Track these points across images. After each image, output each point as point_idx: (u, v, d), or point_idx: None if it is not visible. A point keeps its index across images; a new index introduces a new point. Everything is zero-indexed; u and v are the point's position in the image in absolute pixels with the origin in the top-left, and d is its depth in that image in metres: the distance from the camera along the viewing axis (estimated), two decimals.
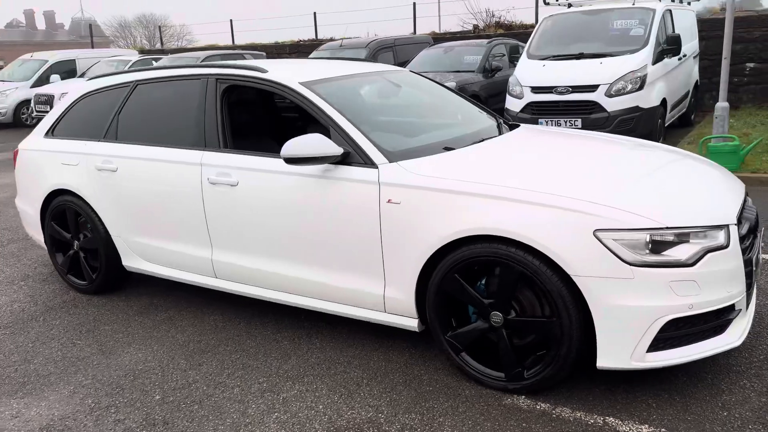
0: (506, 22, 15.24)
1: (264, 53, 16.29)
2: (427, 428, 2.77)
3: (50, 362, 3.61)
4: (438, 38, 14.15)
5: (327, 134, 3.40)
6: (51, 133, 4.74)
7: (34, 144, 4.80)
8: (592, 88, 8.11)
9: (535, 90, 8.46)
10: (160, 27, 24.65)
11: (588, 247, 2.69)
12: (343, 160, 3.29)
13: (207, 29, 36.89)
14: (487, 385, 3.05)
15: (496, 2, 15.84)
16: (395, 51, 12.80)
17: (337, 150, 3.26)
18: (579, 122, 8.14)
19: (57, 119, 4.73)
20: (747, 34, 11.45)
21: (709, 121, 9.63)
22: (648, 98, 8.14)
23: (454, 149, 3.46)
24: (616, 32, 8.99)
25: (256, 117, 4.87)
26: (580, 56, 8.61)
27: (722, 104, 7.39)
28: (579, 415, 2.80)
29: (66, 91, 13.59)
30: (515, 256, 2.82)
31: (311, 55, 12.92)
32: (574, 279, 2.71)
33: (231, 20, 20.65)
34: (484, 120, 4.21)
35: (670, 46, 8.67)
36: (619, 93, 8.03)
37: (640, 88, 8.07)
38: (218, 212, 3.74)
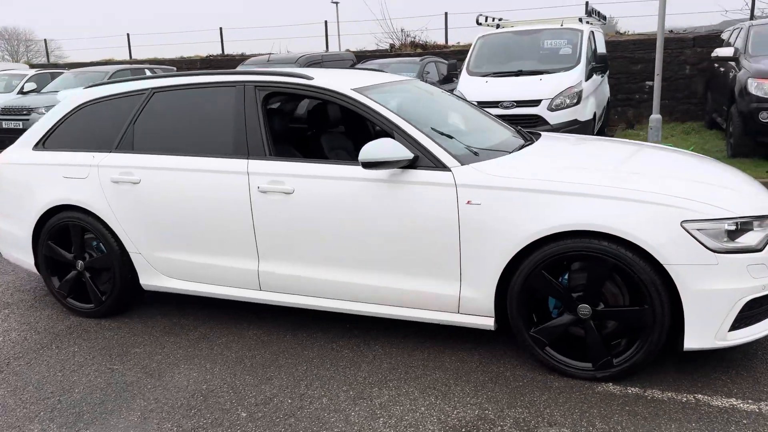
0: (421, 42, 15.73)
1: (174, 67, 15.69)
2: (539, 419, 2.86)
3: (96, 390, 3.31)
4: (358, 56, 14.34)
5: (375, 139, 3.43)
6: (42, 145, 4.36)
7: (21, 157, 4.39)
8: (535, 102, 8.60)
9: (481, 104, 8.82)
10: (45, 40, 23.02)
11: (676, 238, 2.92)
12: (411, 164, 3.34)
13: (86, 44, 34.87)
14: (575, 376, 3.19)
15: (409, 22, 16.32)
16: (323, 66, 12.85)
17: (408, 154, 3.30)
18: None
19: (49, 130, 4.36)
20: (646, 55, 12.63)
21: (621, 134, 10.51)
22: (584, 112, 8.77)
23: (509, 153, 3.60)
24: (546, 51, 9.61)
25: (297, 124, 4.76)
26: (519, 73, 9.12)
27: (656, 116, 8.13)
28: (670, 394, 3.01)
29: None
30: (608, 249, 2.99)
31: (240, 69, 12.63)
32: (666, 267, 2.92)
33: (128, 34, 19.74)
34: (508, 128, 4.40)
35: (598, 64, 9.40)
36: (560, 107, 8.58)
37: (577, 102, 8.68)
38: (269, 221, 3.63)
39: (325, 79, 3.77)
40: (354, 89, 3.66)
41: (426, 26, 17.90)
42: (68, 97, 4.45)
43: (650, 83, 12.72)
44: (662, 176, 3.30)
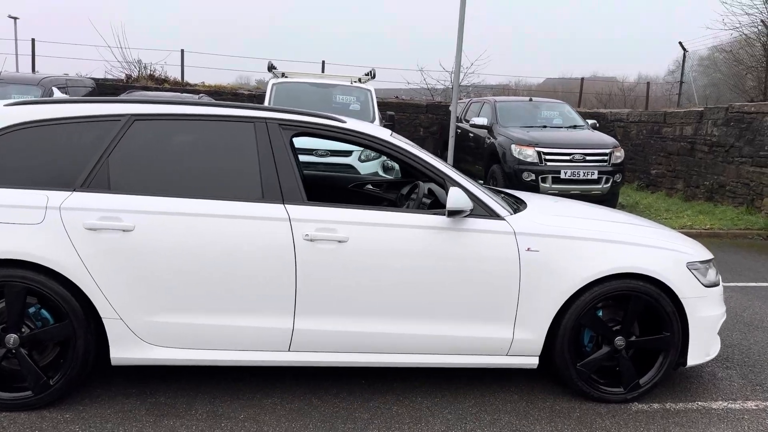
0: (161, 76, 14.83)
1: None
2: None
3: None
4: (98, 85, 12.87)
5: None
6: None
7: None
8: (347, 153, 9.02)
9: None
10: None
11: (685, 277, 3.65)
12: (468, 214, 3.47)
13: None
14: (610, 400, 3.64)
15: (145, 54, 15.22)
16: (68, 91, 11.26)
17: (471, 204, 3.43)
18: (340, 174, 8.93)
19: None
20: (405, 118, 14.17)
21: None
22: (383, 161, 9.51)
23: (527, 203, 3.96)
24: (338, 105, 10.16)
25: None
26: None
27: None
28: (681, 405, 3.68)
29: None
30: (643, 287, 3.57)
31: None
32: (682, 300, 3.62)
33: None
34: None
35: (388, 123, 10.28)
36: (369, 159, 9.16)
37: (379, 156, 9.38)
38: (317, 272, 3.30)
39: (355, 123, 3.63)
40: (393, 135, 3.62)
41: (165, 60, 16.72)
42: None
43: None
44: (645, 227, 4.04)
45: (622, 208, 10.93)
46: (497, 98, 11.88)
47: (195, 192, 3.29)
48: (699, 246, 4.00)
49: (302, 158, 8.71)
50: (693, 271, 3.67)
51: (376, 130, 3.70)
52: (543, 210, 3.89)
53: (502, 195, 4.22)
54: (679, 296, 3.60)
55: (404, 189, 4.73)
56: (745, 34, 14.41)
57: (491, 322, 3.50)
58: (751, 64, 14.52)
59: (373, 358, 3.47)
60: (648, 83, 18.53)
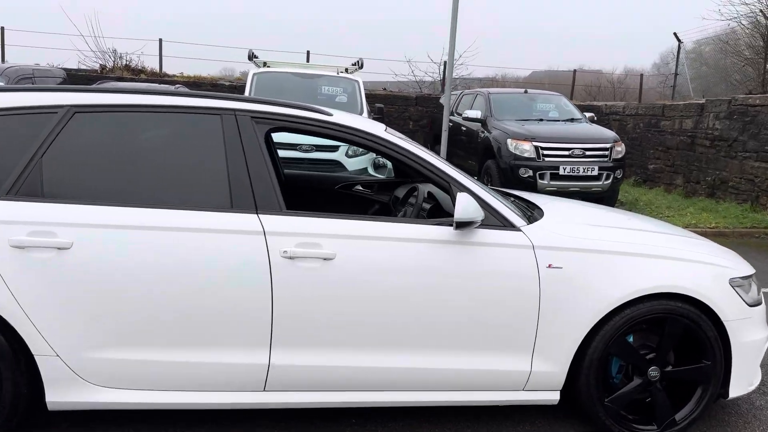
0: (138, 67, 14.12)
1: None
2: None
3: None
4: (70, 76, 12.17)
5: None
6: None
7: None
8: (334, 148, 8.44)
9: (278, 146, 8.29)
10: None
11: (728, 295, 3.13)
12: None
13: None
14: None
15: (121, 43, 14.54)
16: (34, 82, 10.59)
17: (482, 213, 2.87)
18: (326, 173, 8.35)
19: None
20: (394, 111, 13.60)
21: None
22: (373, 158, 8.93)
23: (543, 209, 3.41)
24: (323, 97, 9.56)
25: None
26: None
27: None
28: None
29: None
30: (681, 309, 3.04)
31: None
32: (725, 324, 3.09)
33: None
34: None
35: (377, 115, 9.70)
36: (357, 154, 8.58)
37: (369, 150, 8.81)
38: (298, 296, 2.73)
39: (343, 116, 3.06)
40: (387, 131, 3.06)
41: (142, 50, 15.98)
42: None
43: None
44: (677, 236, 3.50)
45: (621, 205, 10.46)
46: (491, 90, 11.33)
47: (149, 200, 2.71)
48: (738, 258, 3.48)
49: (284, 154, 8.13)
50: (736, 288, 3.15)
51: (369, 124, 3.14)
52: (563, 217, 3.35)
53: (512, 198, 3.67)
54: (722, 319, 3.08)
55: (399, 191, 4.18)
56: (743, 24, 13.97)
57: (505, 353, 2.96)
58: (749, 56, 14.08)
59: (366, 397, 2.92)
60: (641, 75, 18.05)
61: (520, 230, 2.97)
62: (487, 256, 2.89)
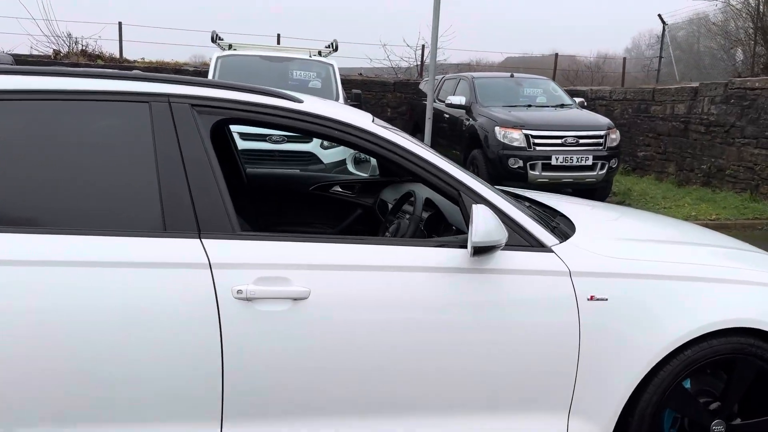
0: (95, 52, 13.10)
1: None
2: None
3: None
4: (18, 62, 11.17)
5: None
6: None
7: None
8: (308, 138, 7.67)
9: (245, 137, 7.48)
10: None
11: None
12: None
13: None
14: None
15: (77, 27, 13.51)
16: None
17: (506, 233, 2.15)
18: (297, 171, 7.58)
19: None
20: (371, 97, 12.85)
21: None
22: (351, 150, 8.18)
23: (572, 219, 2.71)
24: (295, 83, 8.76)
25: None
26: None
27: None
28: None
29: None
30: (755, 348, 2.37)
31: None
32: None
33: None
34: None
35: (354, 102, 8.93)
36: (332, 146, 7.82)
37: None
38: (258, 352, 2.00)
39: (316, 105, 2.31)
40: (376, 124, 2.32)
41: (99, 34, 14.90)
42: None
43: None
44: (736, 249, 2.83)
45: (614, 196, 9.88)
46: (475, 74, 10.61)
47: (50, 222, 1.94)
48: None
49: (250, 145, 7.36)
50: None
51: (351, 113, 2.39)
52: (599, 229, 2.66)
53: (527, 203, 2.96)
54: None
55: (386, 193, 3.45)
56: (732, 5, 13.45)
57: (535, 411, 2.27)
58: (737, 37, 13.58)
59: None
60: (624, 59, 17.53)
61: (552, 251, 2.26)
62: (511, 288, 2.18)
